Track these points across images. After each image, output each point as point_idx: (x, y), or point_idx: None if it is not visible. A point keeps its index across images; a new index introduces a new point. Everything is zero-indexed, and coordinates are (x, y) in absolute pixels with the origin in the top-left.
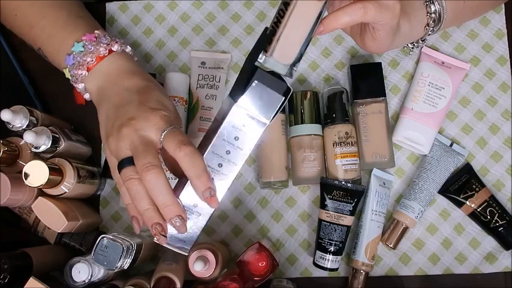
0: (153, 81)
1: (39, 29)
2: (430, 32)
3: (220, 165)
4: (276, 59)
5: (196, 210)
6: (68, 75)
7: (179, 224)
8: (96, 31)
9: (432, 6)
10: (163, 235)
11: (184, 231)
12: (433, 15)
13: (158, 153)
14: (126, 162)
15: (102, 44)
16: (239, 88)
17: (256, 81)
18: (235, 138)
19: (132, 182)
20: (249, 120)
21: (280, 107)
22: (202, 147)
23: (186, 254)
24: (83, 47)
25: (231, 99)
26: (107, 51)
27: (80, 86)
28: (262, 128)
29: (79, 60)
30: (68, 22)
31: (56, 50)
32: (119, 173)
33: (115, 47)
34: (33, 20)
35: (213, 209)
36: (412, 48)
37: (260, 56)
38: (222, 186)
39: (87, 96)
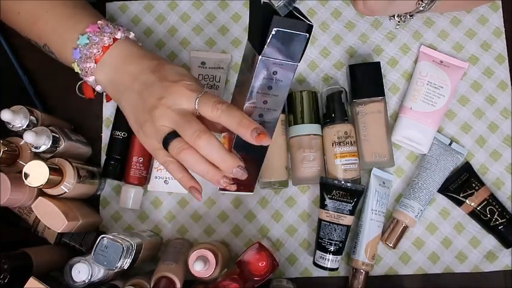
0: (161, 58)
1: (43, 24)
2: (421, 8)
3: (261, 115)
4: None
5: (250, 157)
6: (77, 69)
7: (240, 173)
8: (99, 21)
9: None
10: (232, 184)
11: (245, 176)
12: None
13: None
14: (170, 137)
15: (105, 34)
16: (257, 34)
17: (275, 29)
18: (268, 87)
19: (186, 152)
20: (278, 68)
21: (306, 45)
22: (236, 103)
23: (252, 193)
24: (88, 39)
25: (253, 49)
26: (111, 40)
27: (90, 79)
28: (293, 69)
29: (86, 53)
30: (71, 14)
31: (62, 45)
32: (167, 149)
33: (118, 35)
34: (36, 15)
35: (265, 148)
36: (398, 22)
37: None
38: (268, 132)
39: (98, 88)
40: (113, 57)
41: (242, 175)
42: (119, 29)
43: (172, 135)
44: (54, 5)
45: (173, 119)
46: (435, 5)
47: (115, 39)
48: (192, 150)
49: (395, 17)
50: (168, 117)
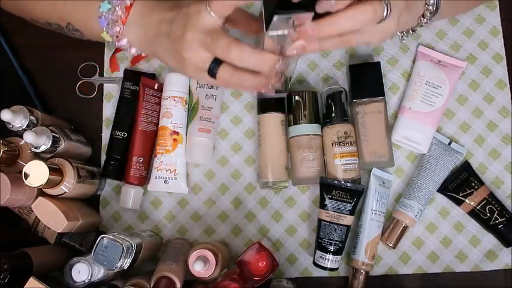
0: None
1: (62, 3)
2: (423, 24)
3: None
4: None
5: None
6: (107, 37)
7: (283, 66)
8: None
9: None
10: (269, 87)
11: (286, 67)
12: (430, 7)
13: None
14: (213, 66)
15: None
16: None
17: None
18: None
19: (230, 80)
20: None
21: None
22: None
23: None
24: (109, 3)
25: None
26: None
27: (123, 43)
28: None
29: (111, 17)
30: None
31: (86, 17)
32: (215, 79)
33: None
34: None
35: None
36: (402, 37)
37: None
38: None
39: (133, 50)
40: (137, 14)
41: (284, 68)
42: None
43: (214, 63)
44: None
45: (202, 41)
46: (438, 15)
47: None
48: (237, 73)
49: (398, 32)
50: (196, 40)
